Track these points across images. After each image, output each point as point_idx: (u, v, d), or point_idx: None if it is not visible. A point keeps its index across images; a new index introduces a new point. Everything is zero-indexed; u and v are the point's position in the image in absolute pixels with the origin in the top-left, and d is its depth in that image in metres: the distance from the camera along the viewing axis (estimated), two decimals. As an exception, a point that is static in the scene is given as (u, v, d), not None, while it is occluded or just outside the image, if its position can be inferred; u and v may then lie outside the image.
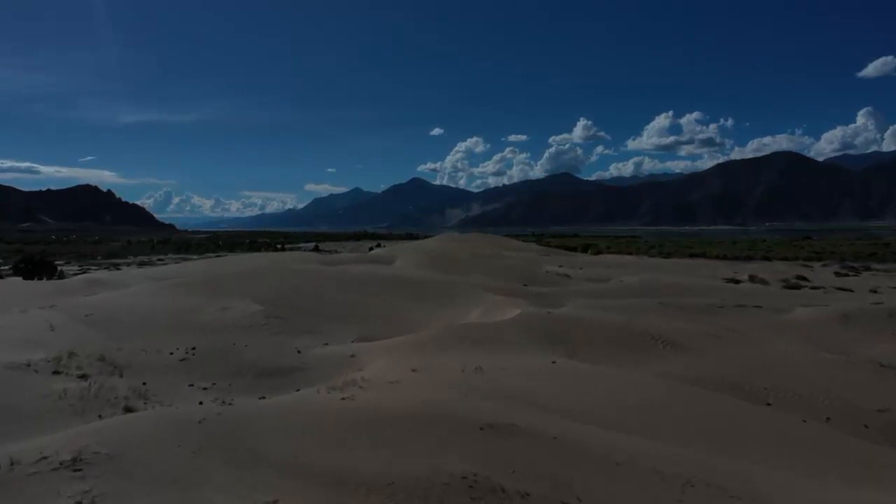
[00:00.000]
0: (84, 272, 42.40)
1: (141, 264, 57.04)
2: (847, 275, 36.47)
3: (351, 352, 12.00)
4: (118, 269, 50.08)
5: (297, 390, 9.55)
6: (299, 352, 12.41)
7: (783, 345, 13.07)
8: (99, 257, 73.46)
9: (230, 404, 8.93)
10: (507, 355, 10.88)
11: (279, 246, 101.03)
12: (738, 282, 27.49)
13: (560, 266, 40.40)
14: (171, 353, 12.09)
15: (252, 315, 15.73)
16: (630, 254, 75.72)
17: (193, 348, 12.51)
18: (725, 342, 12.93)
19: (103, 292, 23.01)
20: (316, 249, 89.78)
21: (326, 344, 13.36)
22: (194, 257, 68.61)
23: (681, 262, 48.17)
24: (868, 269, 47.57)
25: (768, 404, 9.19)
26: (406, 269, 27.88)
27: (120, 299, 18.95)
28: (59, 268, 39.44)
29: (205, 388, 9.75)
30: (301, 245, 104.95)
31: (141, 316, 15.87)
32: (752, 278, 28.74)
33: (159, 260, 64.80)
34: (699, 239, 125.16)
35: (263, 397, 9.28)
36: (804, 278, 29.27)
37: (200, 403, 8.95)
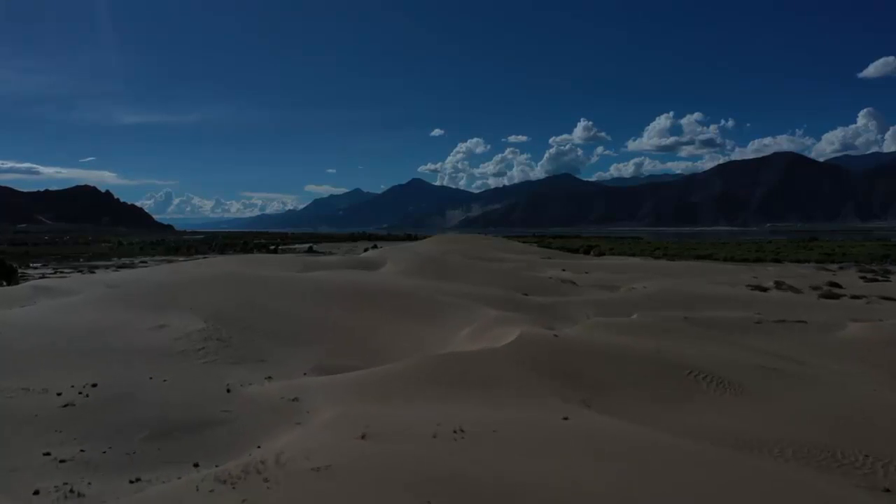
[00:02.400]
0: (47, 276, 39.41)
1: (120, 267, 54.09)
2: (876, 279, 33.45)
3: (295, 393, 9.03)
4: (92, 272, 47.07)
5: (195, 465, 6.59)
6: (229, 391, 9.44)
7: (865, 383, 10.09)
8: (81, 259, 70.46)
9: (78, 496, 5.98)
10: (501, 405, 7.91)
11: (273, 247, 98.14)
12: (764, 289, 24.49)
13: (563, 270, 37.42)
14: (60, 394, 9.12)
15: (189, 335, 12.75)
16: (634, 255, 72.86)
17: (94, 385, 9.55)
18: (788, 378, 9.95)
19: (42, 301, 20.12)
20: (310, 251, 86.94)
21: (270, 378, 10.38)
22: (181, 259, 65.68)
23: (691, 266, 45.10)
24: (888, 272, 44.69)
25: (887, 490, 6.22)
26: (392, 275, 24.86)
27: (45, 313, 16.01)
28: (19, 271, 36.47)
29: (63, 461, 6.75)
30: (295, 246, 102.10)
31: (55, 337, 12.90)
32: (778, 285, 25.74)
33: (142, 262, 61.75)
34: (703, 240, 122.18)
35: (138, 479, 6.33)
36: (837, 285, 26.31)
37: (36, 493, 6.02)
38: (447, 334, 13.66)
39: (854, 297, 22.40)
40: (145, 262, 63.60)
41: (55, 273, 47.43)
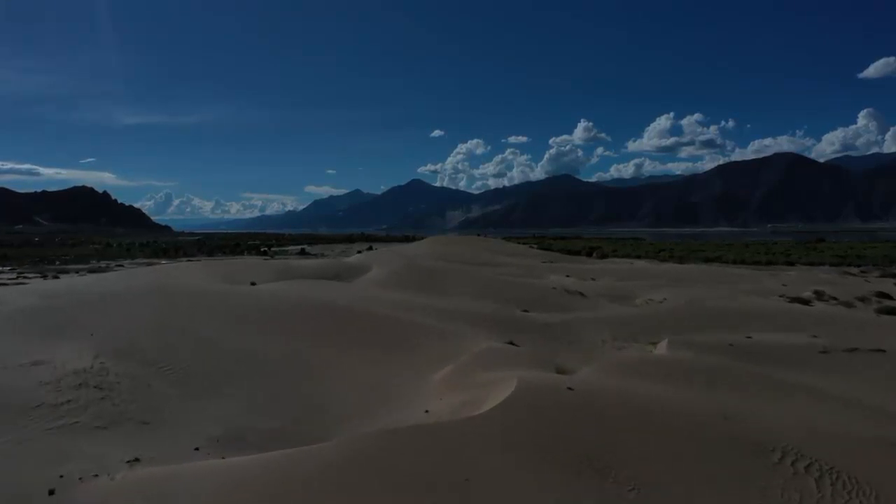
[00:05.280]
0: (3, 283, 35.96)
1: (92, 271, 50.53)
2: (917, 287, 29.86)
3: (149, 501, 5.53)
4: (56, 276, 43.51)
5: None
6: (53, 492, 5.94)
7: None
8: (57, 262, 66.86)
9: None
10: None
11: (265, 249, 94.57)
12: (805, 301, 20.99)
13: (567, 276, 33.89)
14: None
15: (62, 379, 9.23)
16: (639, 257, 69.36)
17: None
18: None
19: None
20: (302, 253, 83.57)
21: (136, 460, 6.85)
22: (164, 262, 62.19)
23: (704, 270, 41.50)
24: (914, 276, 41.19)
25: None
26: (368, 288, 21.27)
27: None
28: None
29: None
30: (289, 248, 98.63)
31: None
32: (819, 295, 22.23)
33: (118, 266, 58.22)
34: (707, 241, 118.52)
35: None
36: (886, 295, 22.79)
37: None
38: (420, 375, 10.13)
39: (918, 312, 18.86)
40: (122, 265, 60.07)
41: (17, 278, 43.87)
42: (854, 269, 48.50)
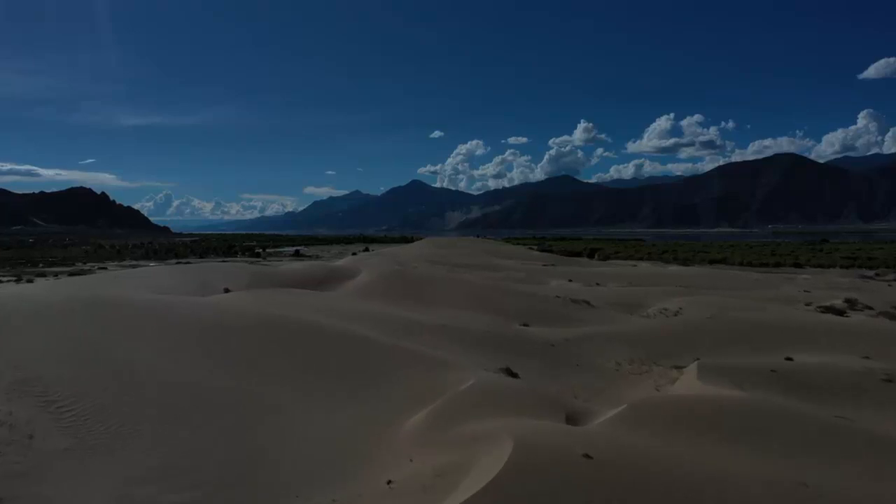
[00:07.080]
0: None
1: (73, 273, 48.39)
2: (947, 293, 27.69)
3: None
4: (30, 280, 41.40)
5: None
6: None
7: None
8: (41, 264, 64.75)
9: None
10: None
11: (260, 251, 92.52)
12: (840, 312, 18.79)
13: (570, 280, 31.72)
14: None
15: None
16: (642, 259, 67.28)
17: None
18: None
19: None
20: (296, 255, 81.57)
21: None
22: (152, 264, 60.17)
23: (714, 274, 39.32)
24: (935, 280, 39.05)
25: None
26: (349, 298, 18.96)
27: None
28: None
29: None
30: (283, 249, 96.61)
31: None
32: (852, 304, 20.03)
33: (100, 268, 56.04)
34: (710, 243, 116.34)
35: None
36: (925, 305, 20.62)
37: None
38: (389, 421, 7.90)
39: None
40: (104, 267, 57.86)
41: (-14, 282, 41.71)
42: (869, 272, 46.40)
